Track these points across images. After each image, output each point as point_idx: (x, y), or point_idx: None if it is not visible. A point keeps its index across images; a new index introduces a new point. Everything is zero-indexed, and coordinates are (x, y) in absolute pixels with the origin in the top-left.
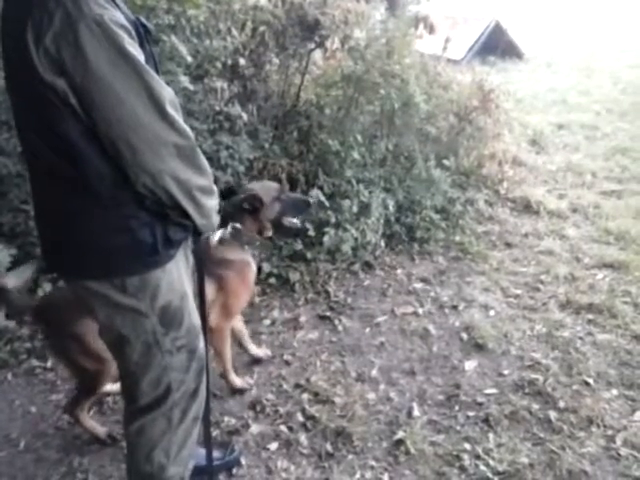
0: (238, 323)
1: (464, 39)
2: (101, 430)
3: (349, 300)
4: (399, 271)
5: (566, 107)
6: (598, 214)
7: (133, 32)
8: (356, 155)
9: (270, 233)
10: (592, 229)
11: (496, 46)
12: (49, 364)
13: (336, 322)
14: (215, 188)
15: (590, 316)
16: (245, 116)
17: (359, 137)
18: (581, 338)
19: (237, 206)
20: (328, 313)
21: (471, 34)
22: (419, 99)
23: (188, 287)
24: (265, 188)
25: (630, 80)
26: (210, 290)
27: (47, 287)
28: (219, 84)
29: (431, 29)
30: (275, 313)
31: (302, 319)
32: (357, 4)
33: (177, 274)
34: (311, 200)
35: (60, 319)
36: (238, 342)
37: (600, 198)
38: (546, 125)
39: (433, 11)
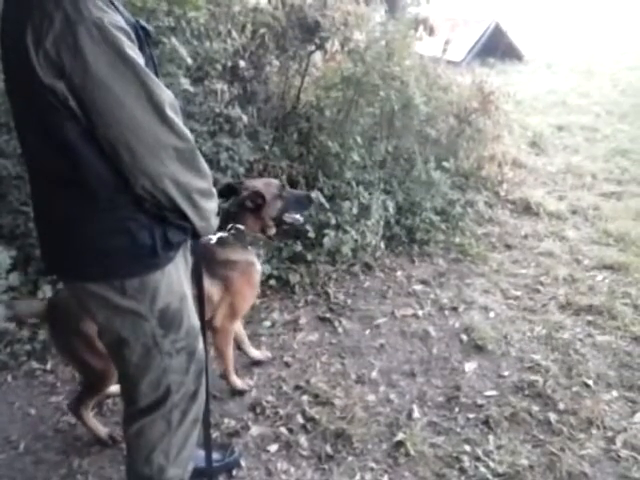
0: (238, 326)
1: (464, 41)
2: (103, 431)
3: (349, 302)
4: (399, 273)
5: (566, 109)
6: (598, 216)
7: (133, 35)
8: (356, 157)
9: (273, 231)
10: (592, 231)
11: (496, 48)
12: (49, 366)
13: (336, 324)
14: (214, 191)
15: (590, 318)
16: (245, 118)
17: (359, 139)
18: (581, 340)
19: (239, 204)
20: (328, 315)
21: (471, 36)
22: (419, 101)
23: (187, 289)
24: (267, 185)
25: (630, 82)
26: (216, 291)
27: (47, 289)
28: (219, 86)
29: (431, 31)
30: (275, 315)
31: (302, 321)
32: (357, 6)
33: (176, 276)
34: (313, 195)
35: (67, 318)
36: (237, 345)
37: (600, 200)
38: (546, 127)
39: (433, 13)
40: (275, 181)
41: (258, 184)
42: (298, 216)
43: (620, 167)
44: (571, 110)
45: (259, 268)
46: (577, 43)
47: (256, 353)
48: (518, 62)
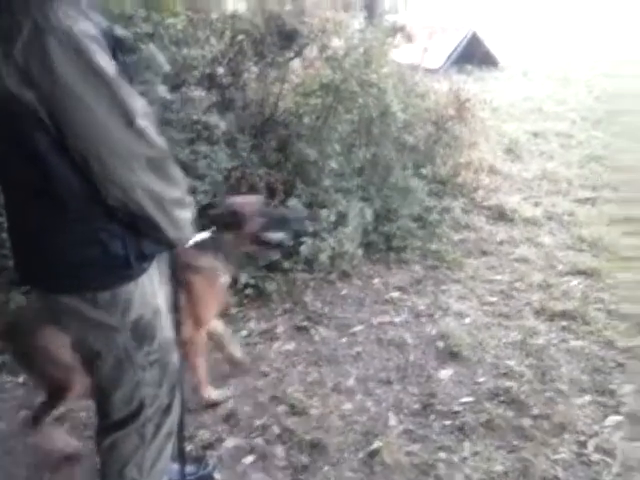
0: (218, 327)
1: (442, 48)
2: (70, 445)
3: (326, 310)
4: (376, 280)
5: (542, 115)
6: (572, 221)
7: (104, 43)
8: (334, 164)
9: (250, 249)
10: (566, 236)
11: (473, 55)
12: (20, 379)
13: (313, 332)
14: (190, 200)
15: (564, 323)
16: (223, 125)
17: (337, 146)
18: (555, 345)
19: (217, 223)
20: (305, 323)
21: (449, 43)
22: (396, 108)
23: (161, 301)
24: (247, 203)
25: (604, 89)
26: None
27: (20, 299)
28: (197, 93)
29: (409, 38)
30: (252, 324)
31: (279, 330)
32: (336, 13)
33: (150, 288)
34: (299, 215)
35: (23, 335)
36: (219, 347)
37: (574, 206)
38: (522, 133)
39: (411, 21)
40: (256, 198)
41: (238, 202)
42: (279, 235)
43: (594, 173)
44: (547, 117)
45: (225, 278)
46: (553, 50)
47: (239, 355)
48: (495, 69)
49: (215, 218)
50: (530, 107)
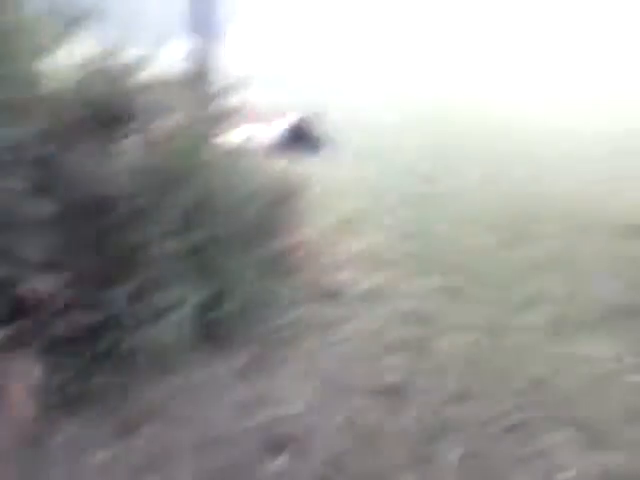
0: None
1: (277, 129)
2: None
3: (155, 405)
4: (210, 367)
5: (372, 192)
6: (401, 294)
7: None
8: (168, 245)
9: (45, 336)
10: (395, 310)
11: (308, 136)
12: None
13: (140, 434)
14: None
15: (391, 399)
16: (45, 209)
17: (172, 226)
18: (383, 423)
19: (6, 312)
20: (131, 424)
21: (284, 124)
22: (231, 187)
23: None
24: (42, 289)
25: (430, 161)
26: None
27: None
28: (16, 175)
29: (247, 119)
30: (70, 429)
31: (102, 432)
32: (174, 91)
33: None
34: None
35: None
36: None
37: (403, 279)
38: (353, 210)
39: (249, 101)
40: (54, 281)
41: (37, 283)
42: (89, 318)
43: (423, 246)
44: (377, 193)
45: (37, 374)
46: (385, 130)
47: None
48: (329, 149)
49: (5, 307)
50: (361, 185)
